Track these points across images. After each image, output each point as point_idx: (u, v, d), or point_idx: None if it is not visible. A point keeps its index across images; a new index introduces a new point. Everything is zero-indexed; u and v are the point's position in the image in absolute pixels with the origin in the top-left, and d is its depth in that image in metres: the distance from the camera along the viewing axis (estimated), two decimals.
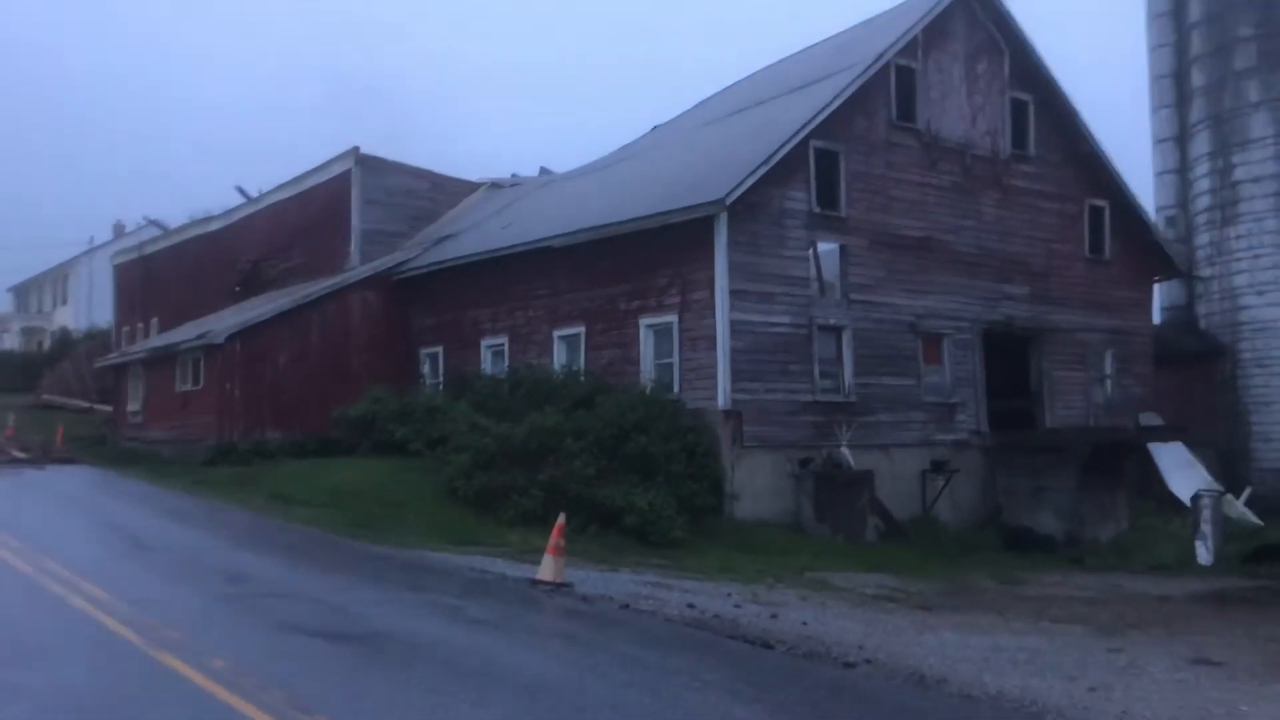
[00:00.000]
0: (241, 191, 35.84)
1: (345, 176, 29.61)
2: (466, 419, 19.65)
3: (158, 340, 32.70)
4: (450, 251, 26.50)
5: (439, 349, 26.20)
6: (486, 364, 24.40)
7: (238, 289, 32.77)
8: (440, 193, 31.41)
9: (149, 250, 40.60)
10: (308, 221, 30.96)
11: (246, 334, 25.13)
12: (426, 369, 26.42)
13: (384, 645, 8.36)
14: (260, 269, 32.54)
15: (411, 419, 21.33)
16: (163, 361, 28.24)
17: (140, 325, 39.59)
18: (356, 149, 29.64)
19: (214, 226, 36.61)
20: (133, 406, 30.54)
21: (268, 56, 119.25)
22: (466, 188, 32.25)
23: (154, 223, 47.99)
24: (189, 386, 26.47)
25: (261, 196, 34.15)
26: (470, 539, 15.53)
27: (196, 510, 18.05)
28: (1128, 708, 8.08)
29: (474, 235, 27.15)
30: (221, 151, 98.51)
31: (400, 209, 30.25)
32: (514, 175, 34.86)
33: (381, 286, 27.12)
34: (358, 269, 28.03)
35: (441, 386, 24.91)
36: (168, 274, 38.46)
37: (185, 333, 29.25)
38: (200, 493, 20.11)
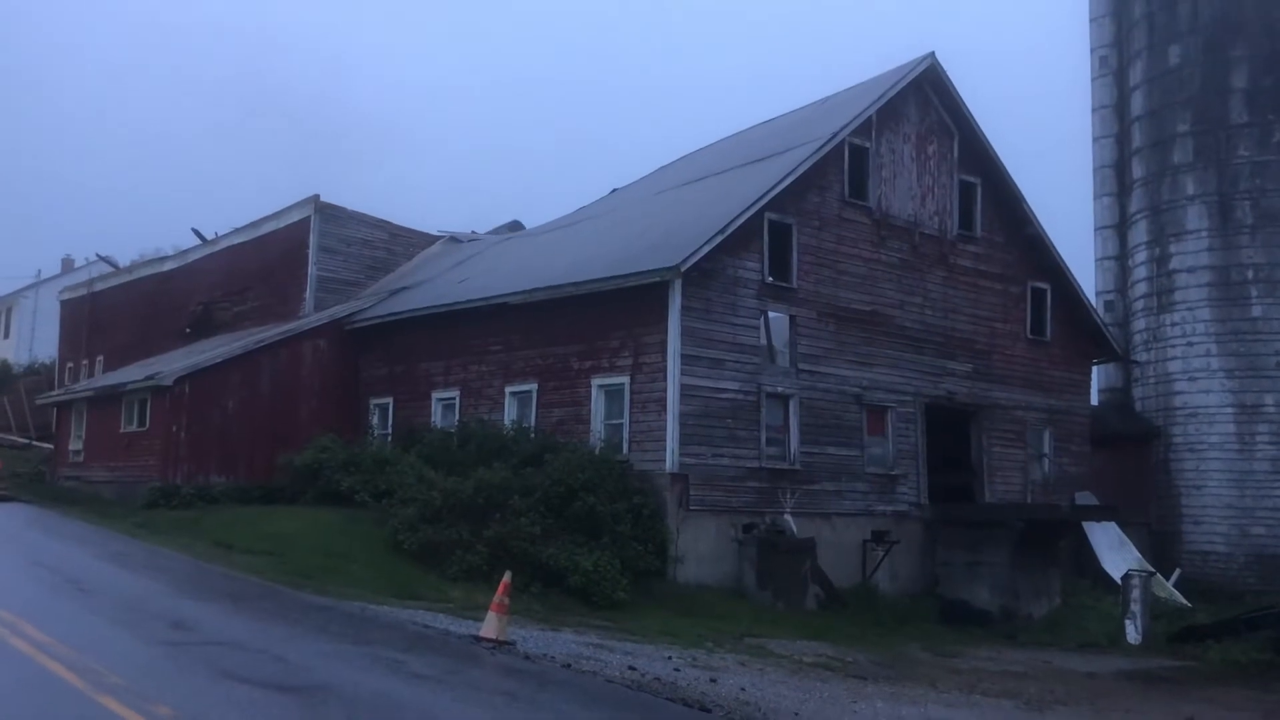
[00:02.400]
0: (197, 233, 35.77)
1: (304, 224, 29.71)
2: (414, 471, 19.71)
3: (104, 379, 32.33)
4: (406, 303, 26.66)
5: (389, 400, 26.23)
6: (437, 417, 24.48)
7: (188, 331, 32.57)
8: (398, 244, 31.63)
9: (98, 287, 40.23)
10: (263, 266, 30.97)
11: (196, 377, 25.01)
12: (376, 420, 26.41)
13: (327, 697, 8.43)
14: (212, 312, 32.41)
15: (359, 469, 21.33)
16: (108, 401, 27.95)
17: (85, 363, 39.10)
18: (316, 197, 29.80)
19: (167, 267, 36.41)
20: (74, 445, 30.11)
21: (226, 99, 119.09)
22: (424, 240, 32.50)
23: (104, 259, 47.62)
24: (134, 427, 26.22)
25: (217, 239, 34.12)
26: (414, 593, 15.54)
27: (138, 554, 17.87)
28: None
29: (430, 288, 27.34)
30: (175, 191, 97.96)
31: (357, 258, 30.40)
32: (473, 231, 35.19)
33: (334, 335, 27.17)
34: (311, 316, 28.06)
35: (390, 438, 24.91)
36: (117, 312, 38.10)
37: (133, 373, 29.00)
38: (142, 536, 19.90)
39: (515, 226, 36.59)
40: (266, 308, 30.12)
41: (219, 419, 25.09)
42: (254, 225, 31.97)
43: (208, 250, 34.33)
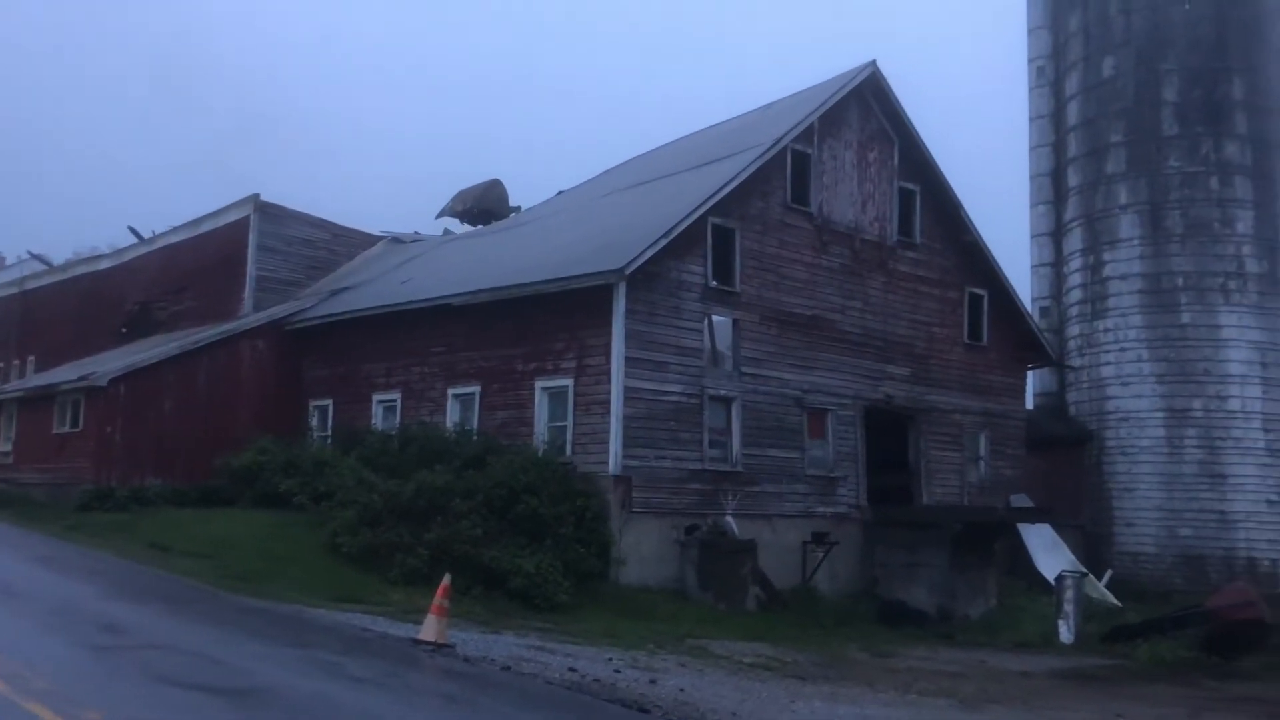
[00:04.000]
0: (134, 232, 35.15)
1: (243, 222, 29.35)
2: (354, 474, 19.56)
3: (36, 379, 31.63)
4: (347, 304, 26.44)
5: (330, 402, 25.98)
6: (378, 419, 24.30)
7: (124, 331, 32.00)
8: (340, 244, 31.36)
9: (30, 285, 39.33)
10: (202, 265, 30.52)
11: (131, 377, 24.58)
12: (316, 422, 26.14)
13: (264, 699, 8.36)
14: (149, 311, 31.86)
15: (298, 472, 21.12)
16: (40, 401, 27.34)
17: (16, 362, 38.17)
18: (256, 195, 29.45)
19: (102, 265, 35.72)
20: (4, 447, 29.41)
21: (158, 101, 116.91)
22: (367, 240, 32.25)
23: (37, 257, 46.59)
24: (67, 428, 25.68)
25: (154, 238, 33.57)
26: (353, 596, 15.42)
27: (70, 557, 17.52)
28: None
29: (372, 289, 27.14)
30: (111, 188, 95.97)
31: (298, 258, 30.09)
32: (415, 231, 34.98)
33: (274, 335, 26.85)
34: (251, 316, 27.71)
35: (331, 440, 24.67)
36: (50, 311, 37.26)
37: (66, 373, 28.42)
38: (74, 539, 19.51)
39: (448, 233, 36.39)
40: (205, 308, 29.67)
41: (155, 420, 24.67)
42: (192, 224, 31.51)
43: (145, 249, 33.75)
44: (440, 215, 36.73)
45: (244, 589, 15.13)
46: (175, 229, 32.38)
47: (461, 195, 36.30)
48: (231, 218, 29.88)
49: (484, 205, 35.11)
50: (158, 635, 11.18)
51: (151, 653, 10.10)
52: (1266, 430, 28.54)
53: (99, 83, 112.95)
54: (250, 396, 26.12)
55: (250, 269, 28.96)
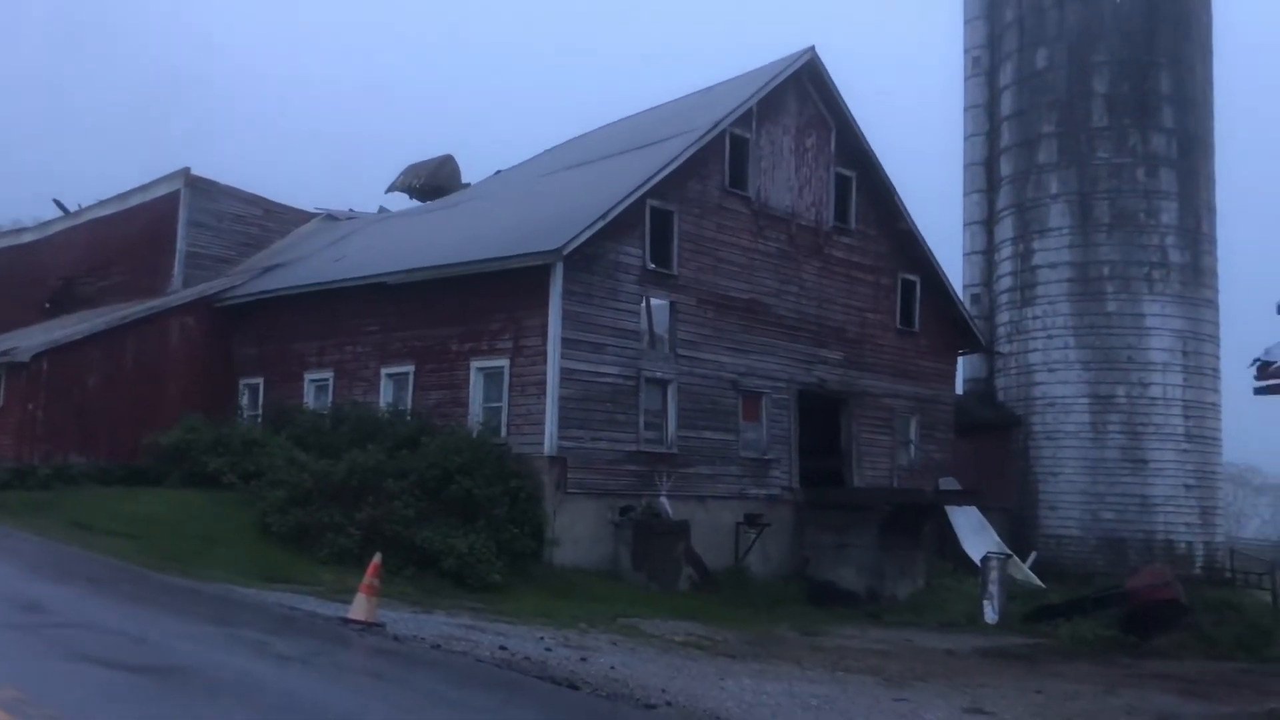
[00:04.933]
0: (59, 205, 34.23)
1: (173, 197, 28.75)
2: (285, 453, 19.32)
3: None
4: (279, 281, 26.05)
5: (260, 380, 25.62)
6: (310, 398, 24.02)
7: (48, 306, 31.18)
8: (272, 220, 30.88)
9: None
10: (130, 240, 29.85)
11: (55, 353, 23.97)
12: (246, 400, 25.77)
13: (186, 678, 8.26)
14: (74, 286, 31.10)
15: (227, 450, 20.80)
16: None
17: None
18: (187, 169, 28.87)
19: (26, 239, 34.74)
20: None
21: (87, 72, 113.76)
22: (300, 217, 31.78)
23: None
24: None
25: (81, 211, 32.70)
26: (282, 576, 15.26)
27: None
28: None
29: (305, 266, 26.78)
30: (35, 159, 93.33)
31: (229, 234, 29.59)
32: (351, 209, 34.53)
33: (204, 312, 26.39)
34: (180, 293, 27.19)
35: (261, 419, 24.34)
36: None
37: None
38: None
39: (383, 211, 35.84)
40: (133, 283, 29.04)
41: (80, 397, 24.12)
42: (120, 198, 30.77)
43: (70, 222, 32.89)
44: (390, 190, 36.06)
45: (170, 568, 14.90)
46: (102, 202, 31.61)
47: (413, 170, 35.64)
48: (161, 192, 29.25)
49: (436, 182, 34.49)
50: (80, 614, 10.97)
51: (73, 632, 9.92)
52: (1186, 417, 29.40)
53: (22, 48, 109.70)
54: (179, 374, 25.66)
55: (180, 244, 28.40)
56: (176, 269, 28.23)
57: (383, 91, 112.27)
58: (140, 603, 12.22)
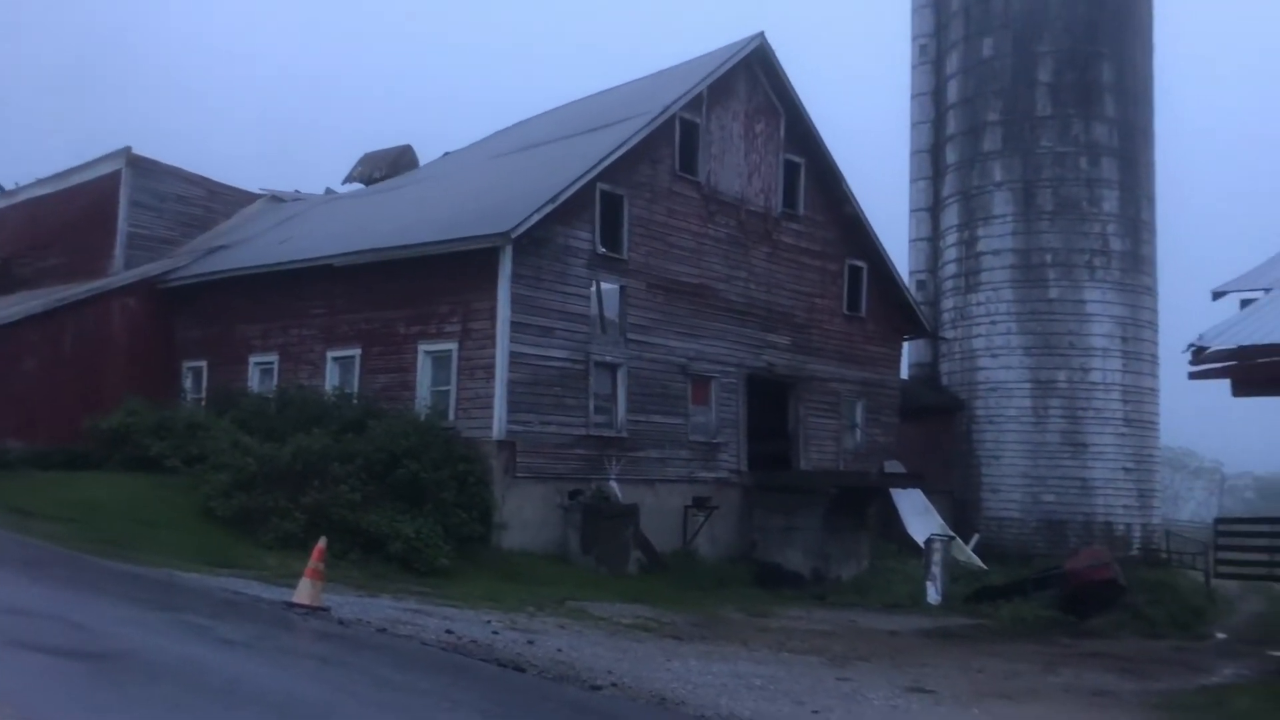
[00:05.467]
0: None
1: (114, 176, 28.19)
2: (228, 437, 19.08)
3: None
4: (223, 262, 25.69)
5: (204, 363, 25.29)
6: (254, 382, 23.76)
7: None
8: (217, 201, 30.40)
9: None
10: (69, 220, 29.23)
11: None
12: (190, 383, 25.43)
13: (126, 663, 8.15)
14: (11, 267, 30.40)
15: (170, 434, 20.47)
16: None
17: None
18: (128, 149, 28.31)
19: None
20: None
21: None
22: (245, 198, 31.33)
23: None
24: None
25: (18, 190, 31.96)
26: (226, 560, 15.09)
27: None
28: None
29: (250, 247, 26.43)
30: None
31: (172, 215, 29.09)
32: (296, 190, 34.08)
33: (146, 294, 25.97)
34: (121, 274, 26.71)
35: (204, 402, 24.02)
36: None
37: None
38: None
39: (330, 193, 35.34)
40: (72, 264, 28.45)
41: (17, 380, 23.62)
42: (59, 177, 30.11)
43: (7, 201, 32.12)
44: (348, 180, 35.41)
45: (111, 553, 14.66)
46: (40, 181, 30.90)
47: (370, 160, 35.02)
48: (102, 171, 28.66)
49: (395, 172, 33.89)
50: (16, 600, 10.76)
51: (8, 618, 9.72)
52: (1125, 401, 30.01)
53: None
54: (120, 357, 25.23)
55: (121, 225, 27.87)
56: (118, 250, 27.71)
57: (331, 78, 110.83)
58: (79, 588, 12.03)
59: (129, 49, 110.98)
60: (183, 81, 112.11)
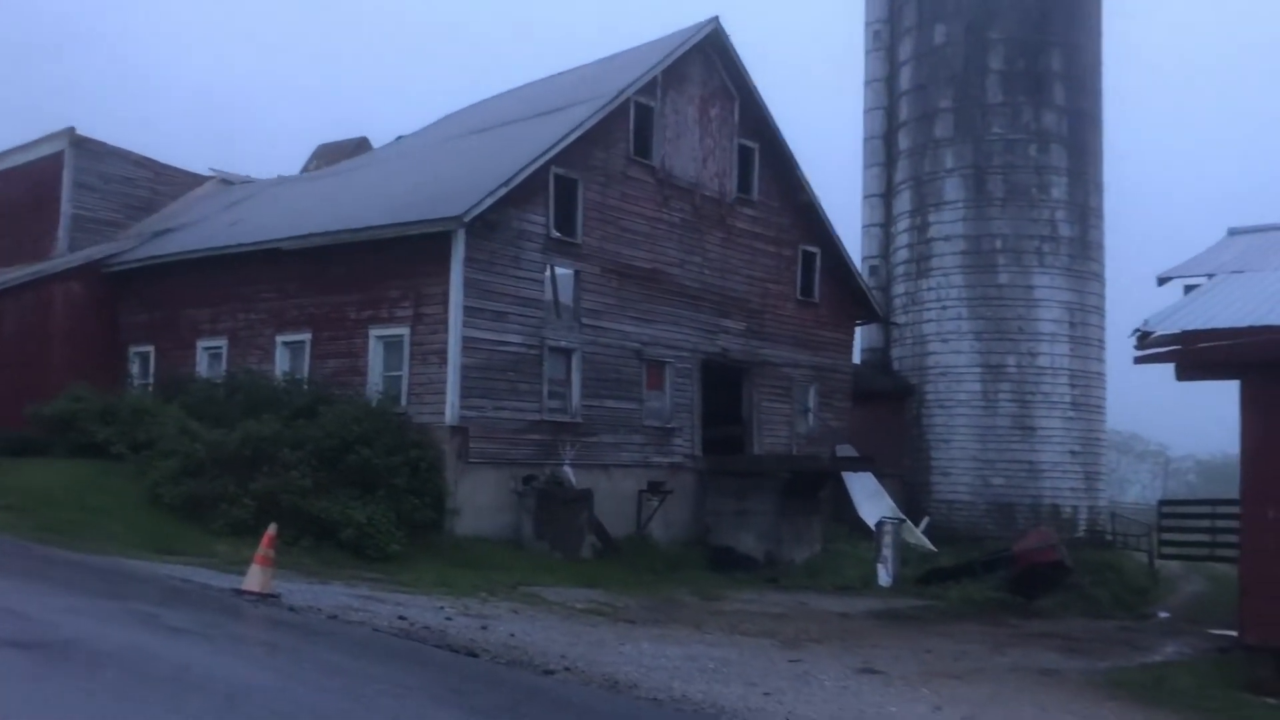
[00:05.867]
0: None
1: (57, 158, 27.64)
2: (177, 423, 18.82)
3: None
4: (170, 246, 25.28)
5: (151, 348, 24.89)
6: (203, 367, 23.43)
7: None
8: (163, 183, 29.90)
9: None
10: (9, 203, 28.63)
11: None
12: (136, 369, 25.03)
13: (71, 652, 8.03)
14: None
15: (116, 420, 20.15)
16: None
17: None
18: (72, 129, 27.75)
19: None
20: None
21: None
22: (192, 180, 30.84)
23: None
24: None
25: None
26: (175, 548, 14.93)
27: None
28: (795, 709, 8.94)
29: (198, 230, 26.02)
30: None
31: (117, 197, 28.57)
32: (247, 175, 33.57)
33: (91, 278, 25.50)
34: (65, 257, 26.21)
35: (152, 388, 23.66)
36: None
37: None
38: None
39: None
40: (13, 248, 27.84)
41: None
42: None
43: None
44: (303, 172, 34.94)
45: (56, 541, 14.44)
46: None
47: (325, 152, 34.49)
48: (43, 152, 28.07)
49: None
50: None
51: None
52: (1072, 385, 30.45)
53: None
54: (64, 342, 24.77)
55: (65, 207, 27.35)
56: (61, 233, 27.19)
57: (282, 68, 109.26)
58: (23, 576, 11.82)
59: (71, 26, 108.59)
60: (131, 65, 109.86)
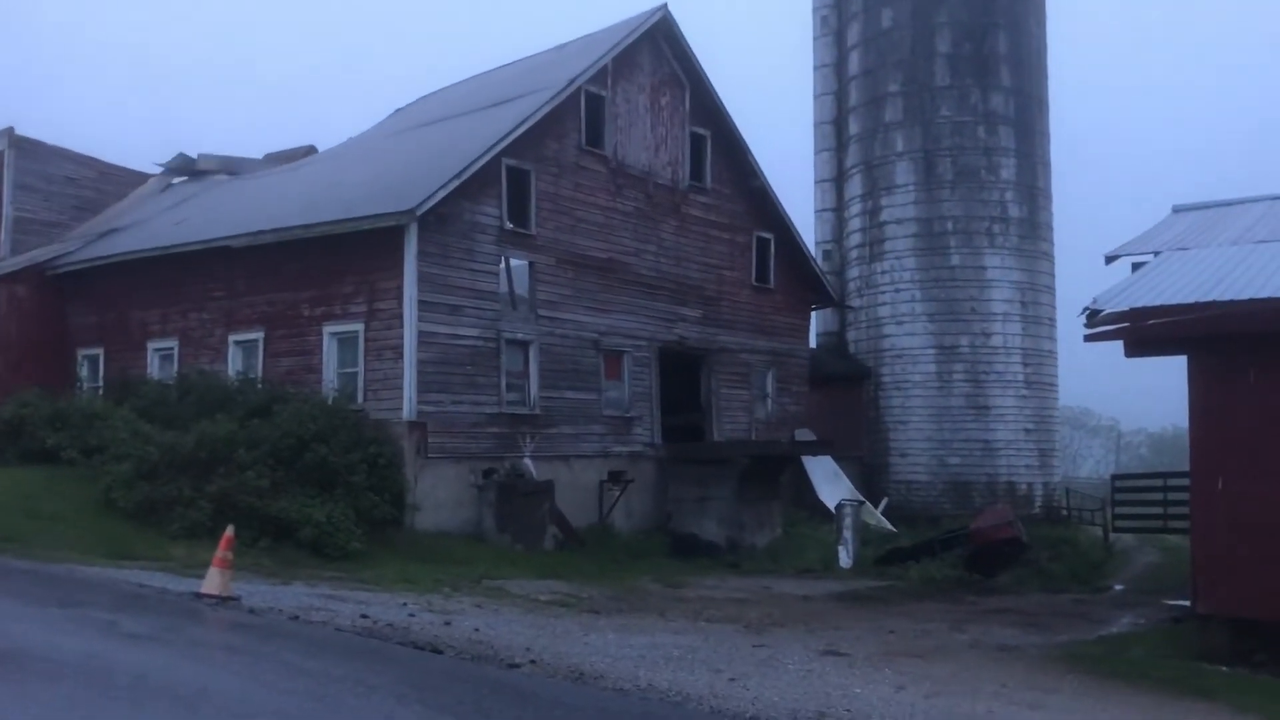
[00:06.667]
0: None
1: None
2: (129, 426, 18.53)
3: None
4: (116, 246, 24.87)
5: (100, 351, 24.49)
6: (154, 368, 23.10)
7: None
8: (108, 182, 29.42)
9: None
10: None
11: None
12: (86, 372, 24.61)
13: (25, 663, 7.90)
14: None
15: (66, 425, 19.77)
16: None
17: None
18: (11, 129, 27.23)
19: None
20: None
21: None
22: (137, 179, 30.38)
23: None
24: None
25: None
26: (130, 553, 14.69)
27: None
28: (760, 694, 8.98)
29: (144, 229, 25.63)
30: None
31: (60, 197, 28.08)
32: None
33: (36, 281, 25.03)
34: (8, 261, 25.74)
35: (102, 391, 23.27)
36: None
37: None
38: None
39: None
40: None
41: None
42: None
43: None
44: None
45: (7, 549, 14.16)
46: None
47: (274, 160, 34.05)
48: None
49: None
50: None
51: None
52: (1025, 364, 30.86)
53: None
54: (10, 346, 24.31)
55: (6, 209, 26.87)
56: (3, 235, 26.72)
57: (230, 68, 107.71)
58: None
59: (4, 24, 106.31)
60: (72, 65, 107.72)
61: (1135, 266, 16.46)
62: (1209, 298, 12.48)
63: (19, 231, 26.85)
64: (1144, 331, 12.64)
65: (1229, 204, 19.43)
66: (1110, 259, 17.64)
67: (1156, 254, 16.25)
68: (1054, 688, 10.33)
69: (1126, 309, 12.87)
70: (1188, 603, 13.62)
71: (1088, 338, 13.15)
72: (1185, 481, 15.82)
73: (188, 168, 30.98)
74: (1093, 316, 13.25)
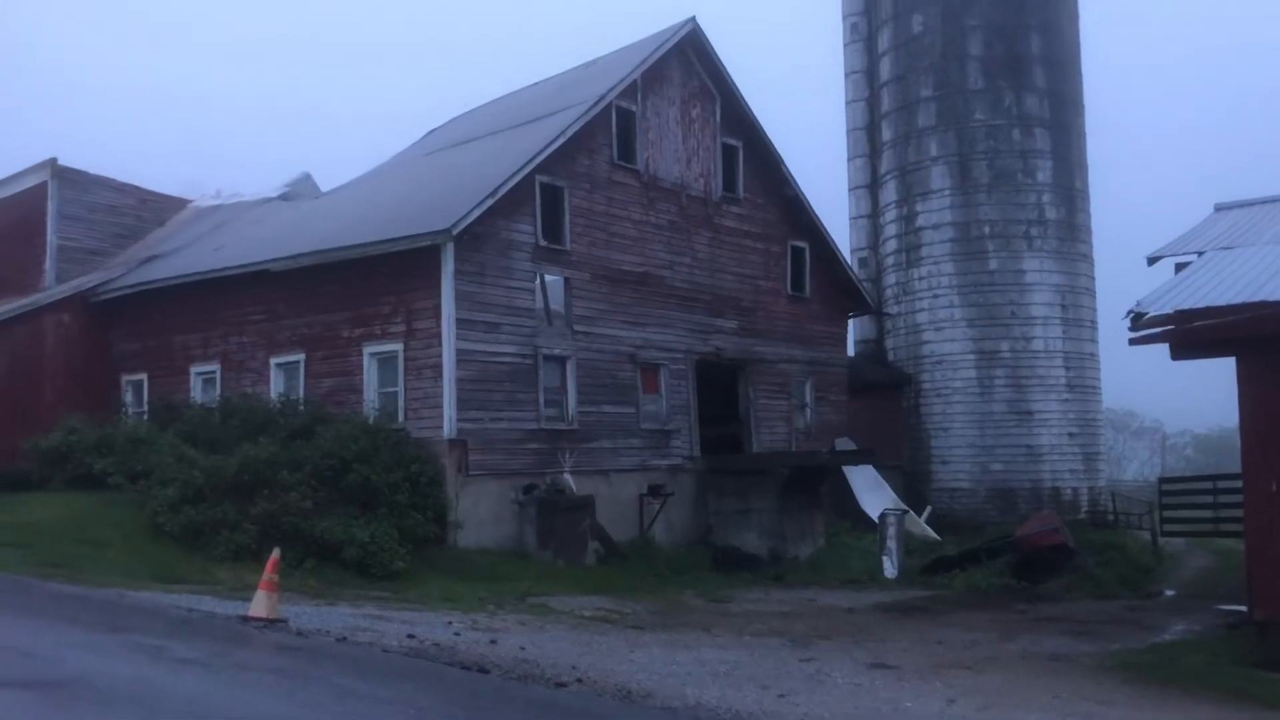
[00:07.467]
0: None
1: (40, 189, 27.51)
2: (173, 450, 18.75)
3: None
4: (158, 272, 25.19)
5: (144, 376, 24.78)
6: (196, 392, 23.34)
7: None
8: (148, 210, 29.79)
9: None
10: None
11: None
12: (130, 397, 24.91)
13: (78, 690, 7.97)
14: None
15: (112, 450, 20.05)
16: None
17: None
18: (54, 160, 27.64)
19: None
20: None
21: None
22: (177, 205, 30.73)
23: None
24: None
25: None
26: (177, 576, 14.83)
27: None
28: (810, 711, 8.90)
29: (184, 255, 25.93)
30: None
31: (103, 226, 28.47)
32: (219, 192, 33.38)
33: (80, 308, 25.38)
34: (54, 289, 26.09)
35: (146, 416, 23.55)
36: None
37: None
38: None
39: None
40: (1, 281, 27.74)
41: None
42: None
43: None
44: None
45: (57, 575, 14.33)
46: None
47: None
48: (27, 184, 27.95)
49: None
50: None
51: None
52: (1067, 368, 30.47)
53: None
54: (56, 373, 24.65)
55: (50, 239, 27.24)
56: (48, 264, 27.10)
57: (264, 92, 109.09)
58: (26, 613, 11.74)
59: (32, 56, 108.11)
60: (99, 98, 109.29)
61: (1178, 267, 16.23)
62: (1257, 297, 12.27)
63: (63, 260, 27.26)
64: (1191, 334, 12.45)
65: (1273, 200, 19.11)
66: (1152, 260, 17.40)
67: (1200, 254, 16.01)
68: (1109, 699, 10.16)
69: (1172, 311, 12.68)
70: (1243, 608, 13.36)
71: (1133, 341, 12.97)
72: (1236, 484, 15.55)
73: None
74: (1137, 319, 13.07)
